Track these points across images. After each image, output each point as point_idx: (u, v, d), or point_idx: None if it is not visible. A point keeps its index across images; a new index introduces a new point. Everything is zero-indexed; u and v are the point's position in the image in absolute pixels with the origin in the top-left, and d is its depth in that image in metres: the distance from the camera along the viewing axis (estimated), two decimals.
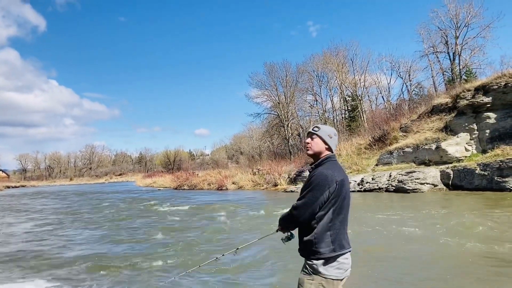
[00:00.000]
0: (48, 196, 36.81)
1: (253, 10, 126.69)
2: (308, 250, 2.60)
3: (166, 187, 42.50)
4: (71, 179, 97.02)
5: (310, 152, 2.79)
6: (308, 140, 2.81)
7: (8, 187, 68.84)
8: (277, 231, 2.99)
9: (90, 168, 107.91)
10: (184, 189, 37.50)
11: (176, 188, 39.10)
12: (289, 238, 2.94)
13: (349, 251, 2.67)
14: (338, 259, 2.56)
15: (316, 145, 2.77)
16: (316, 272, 2.55)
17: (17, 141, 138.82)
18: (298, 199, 2.64)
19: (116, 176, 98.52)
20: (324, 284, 2.53)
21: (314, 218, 2.58)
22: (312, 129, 2.82)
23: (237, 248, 3.48)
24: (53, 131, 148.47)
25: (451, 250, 7.11)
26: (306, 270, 2.62)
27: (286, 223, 2.80)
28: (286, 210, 2.83)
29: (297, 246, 2.73)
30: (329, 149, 2.77)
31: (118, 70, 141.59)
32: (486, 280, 5.41)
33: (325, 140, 2.77)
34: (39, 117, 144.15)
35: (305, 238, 2.63)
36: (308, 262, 2.60)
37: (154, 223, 13.46)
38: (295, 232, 2.83)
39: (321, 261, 2.54)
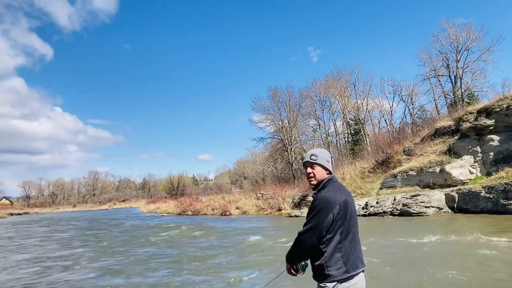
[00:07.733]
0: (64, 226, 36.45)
1: (254, 36, 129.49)
2: (320, 274, 2.60)
3: (169, 213, 42.25)
4: (74, 206, 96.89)
5: (314, 182, 2.82)
6: (310, 170, 2.82)
7: (12, 214, 68.98)
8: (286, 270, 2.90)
9: (94, 195, 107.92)
10: (187, 214, 37.24)
11: (179, 214, 38.84)
12: (304, 267, 2.85)
13: (363, 271, 2.67)
14: (350, 280, 2.54)
15: (318, 173, 2.81)
16: None
17: (20, 168, 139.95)
18: (304, 225, 2.64)
19: (119, 202, 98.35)
20: None
21: (323, 242, 2.58)
22: (310, 158, 2.82)
23: (266, 284, 3.65)
24: (57, 158, 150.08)
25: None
26: None
27: (294, 253, 2.74)
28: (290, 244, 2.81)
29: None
30: (330, 172, 2.83)
31: (122, 97, 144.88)
32: None
33: (324, 166, 2.81)
34: (43, 144, 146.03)
35: (316, 263, 2.63)
36: (321, 285, 2.59)
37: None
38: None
39: (334, 284, 2.53)
